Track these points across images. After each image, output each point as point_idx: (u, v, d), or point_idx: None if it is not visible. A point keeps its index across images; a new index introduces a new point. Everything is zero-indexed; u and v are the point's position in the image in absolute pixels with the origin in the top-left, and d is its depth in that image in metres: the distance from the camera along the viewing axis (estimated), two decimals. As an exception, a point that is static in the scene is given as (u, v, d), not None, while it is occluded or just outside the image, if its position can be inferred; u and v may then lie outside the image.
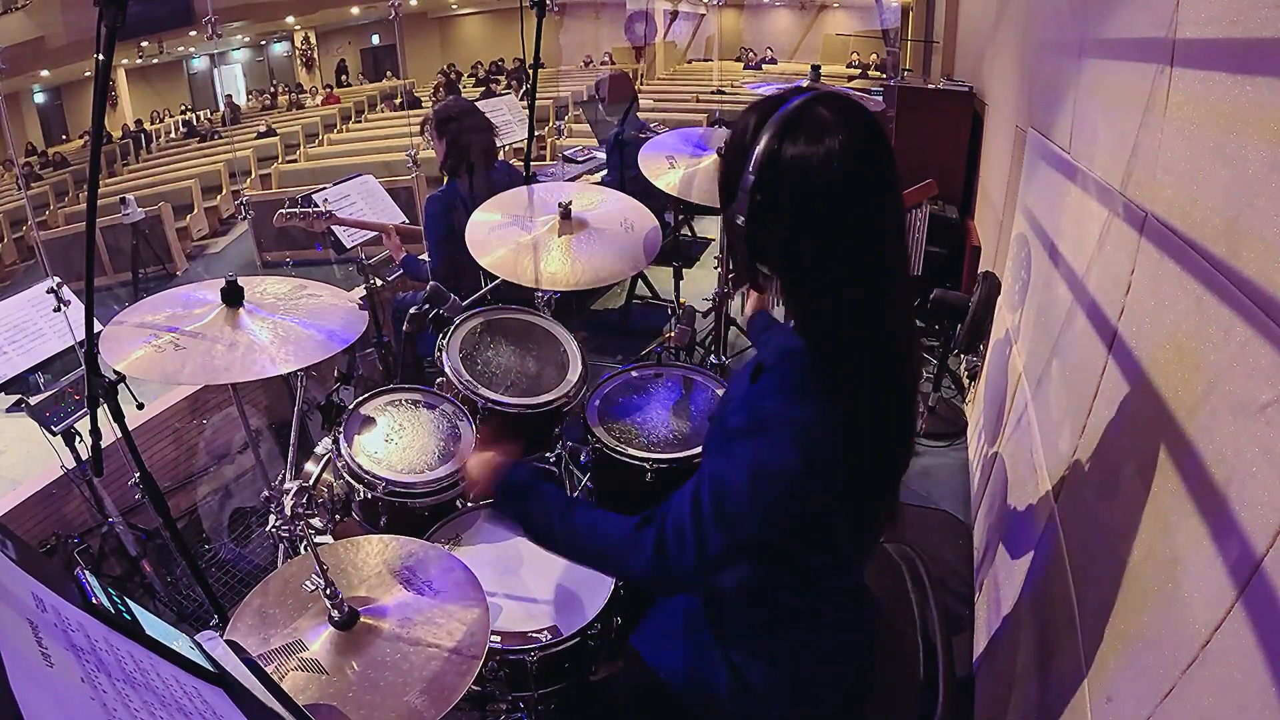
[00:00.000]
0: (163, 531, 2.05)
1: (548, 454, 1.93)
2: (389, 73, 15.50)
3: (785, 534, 0.97)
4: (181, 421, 2.72)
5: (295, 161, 11.15)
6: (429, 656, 1.07)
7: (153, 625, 0.65)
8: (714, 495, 0.93)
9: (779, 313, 1.06)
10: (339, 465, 1.67)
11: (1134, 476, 1.09)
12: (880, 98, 3.95)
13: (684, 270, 3.58)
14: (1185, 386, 0.98)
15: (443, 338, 1.89)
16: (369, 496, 1.62)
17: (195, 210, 9.15)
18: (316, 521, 1.76)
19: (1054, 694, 1.25)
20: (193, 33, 12.03)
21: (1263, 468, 0.77)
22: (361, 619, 1.12)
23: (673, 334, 2.61)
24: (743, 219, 0.89)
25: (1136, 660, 0.98)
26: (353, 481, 1.63)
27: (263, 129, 12.39)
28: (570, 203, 2.01)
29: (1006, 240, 2.60)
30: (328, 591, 1.09)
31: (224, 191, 9.95)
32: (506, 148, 3.73)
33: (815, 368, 0.92)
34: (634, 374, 1.99)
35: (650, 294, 4.11)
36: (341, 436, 1.67)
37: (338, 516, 1.81)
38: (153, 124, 13.46)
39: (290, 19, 14.69)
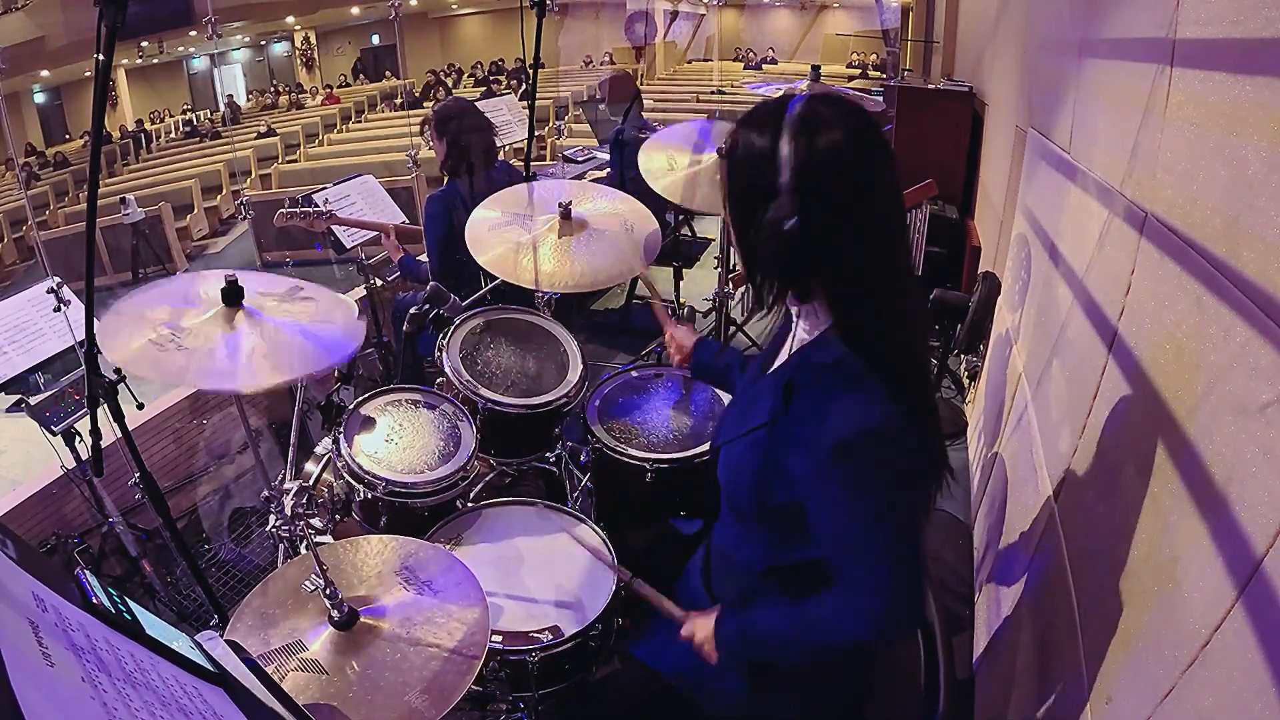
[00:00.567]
0: (163, 531, 2.05)
1: (548, 454, 1.93)
2: (389, 73, 15.50)
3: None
4: (181, 421, 2.72)
5: (295, 161, 11.16)
6: (429, 656, 1.07)
7: (153, 625, 0.65)
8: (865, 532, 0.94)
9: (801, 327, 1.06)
10: (339, 465, 1.67)
11: (1134, 476, 1.09)
12: (880, 98, 3.95)
13: (684, 270, 3.58)
14: (1185, 386, 0.98)
15: (443, 338, 1.89)
16: (369, 496, 1.62)
17: (195, 210, 9.15)
18: (316, 521, 1.76)
19: (1054, 694, 1.25)
20: (193, 33, 12.03)
21: (1263, 468, 0.77)
22: (361, 619, 1.12)
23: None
24: (794, 221, 0.88)
25: (1136, 660, 0.98)
26: (353, 481, 1.63)
27: (263, 129, 12.39)
28: (570, 203, 2.01)
29: (1006, 240, 2.60)
30: (327, 591, 1.09)
31: (224, 191, 9.95)
32: (506, 148, 3.73)
33: (866, 369, 0.93)
34: (634, 374, 1.99)
35: (650, 294, 4.11)
36: (341, 436, 1.67)
37: (338, 516, 1.81)
38: (153, 124, 13.46)
39: (290, 19, 14.69)
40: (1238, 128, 0.93)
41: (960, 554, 2.23)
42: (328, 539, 1.71)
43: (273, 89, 14.99)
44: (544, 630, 1.35)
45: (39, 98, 12.23)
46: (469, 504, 1.69)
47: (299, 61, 15.48)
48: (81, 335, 1.41)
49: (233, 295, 1.53)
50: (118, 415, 1.45)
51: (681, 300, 3.54)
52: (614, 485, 1.82)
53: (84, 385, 1.42)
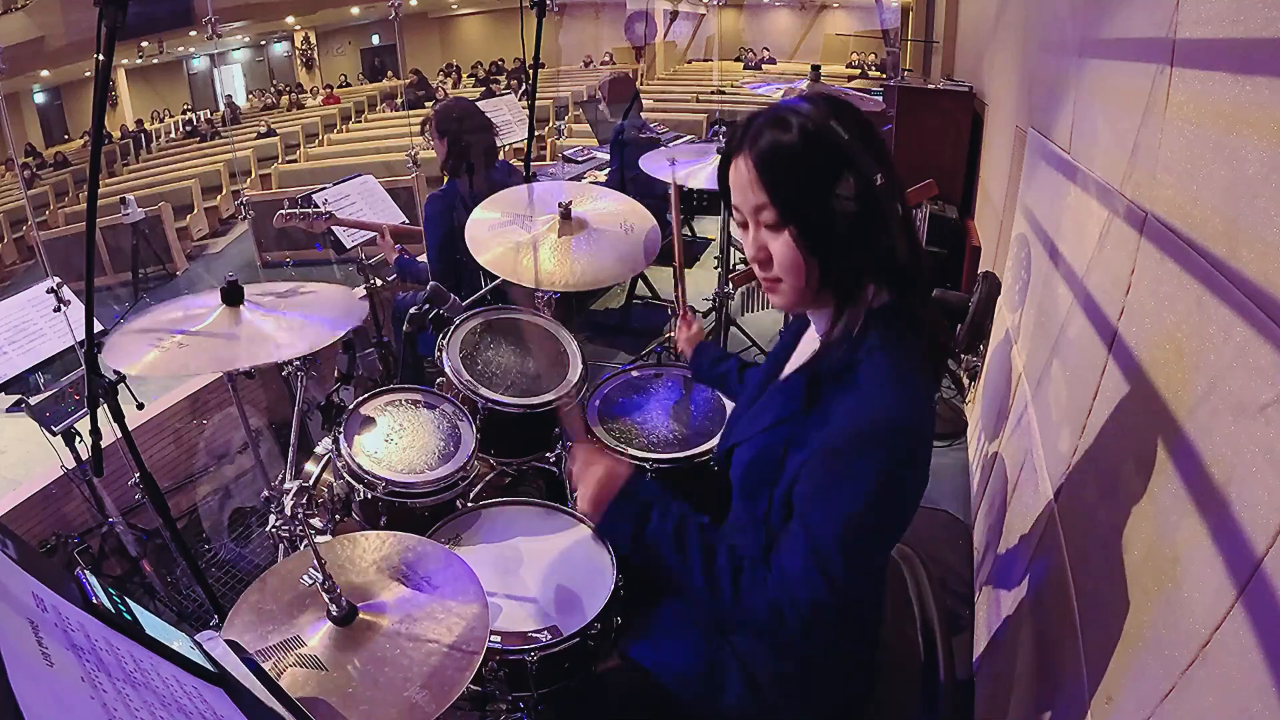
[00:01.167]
0: (163, 531, 2.05)
1: (548, 454, 1.93)
2: (389, 73, 15.51)
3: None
4: (181, 421, 2.72)
5: (295, 161, 11.15)
6: (429, 652, 1.07)
7: (153, 625, 0.65)
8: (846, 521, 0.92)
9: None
10: (339, 465, 1.67)
11: (1134, 476, 1.09)
12: (880, 98, 3.95)
13: (684, 270, 3.57)
14: (1185, 386, 0.98)
15: (443, 338, 1.89)
16: (369, 496, 1.62)
17: (195, 210, 9.15)
18: (316, 521, 1.77)
19: (1054, 694, 1.25)
20: (193, 33, 12.03)
21: (1263, 468, 0.77)
22: (360, 615, 1.12)
23: (673, 334, 2.60)
24: (880, 176, 0.91)
25: (1136, 660, 0.98)
26: (353, 481, 1.63)
27: (263, 129, 12.39)
28: (570, 203, 2.01)
29: (1006, 240, 2.60)
30: (326, 586, 1.09)
31: (224, 191, 9.95)
32: (506, 148, 3.73)
33: (899, 360, 0.94)
34: (634, 374, 1.99)
35: (650, 294, 4.11)
36: (341, 436, 1.67)
37: (338, 516, 1.81)
38: (153, 124, 13.45)
39: (290, 19, 14.69)
40: (1238, 128, 0.93)
41: (960, 554, 2.23)
42: (327, 539, 1.71)
43: (273, 89, 14.99)
44: (543, 630, 1.35)
45: (39, 98, 12.23)
46: (469, 504, 1.69)
47: (299, 61, 15.48)
48: (81, 335, 1.41)
49: (233, 295, 1.54)
50: (118, 415, 1.45)
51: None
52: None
53: (84, 385, 1.42)
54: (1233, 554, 0.80)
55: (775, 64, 14.60)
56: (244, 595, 1.17)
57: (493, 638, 1.26)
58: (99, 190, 1.25)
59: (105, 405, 1.43)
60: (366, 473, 1.61)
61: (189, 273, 7.87)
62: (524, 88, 11.08)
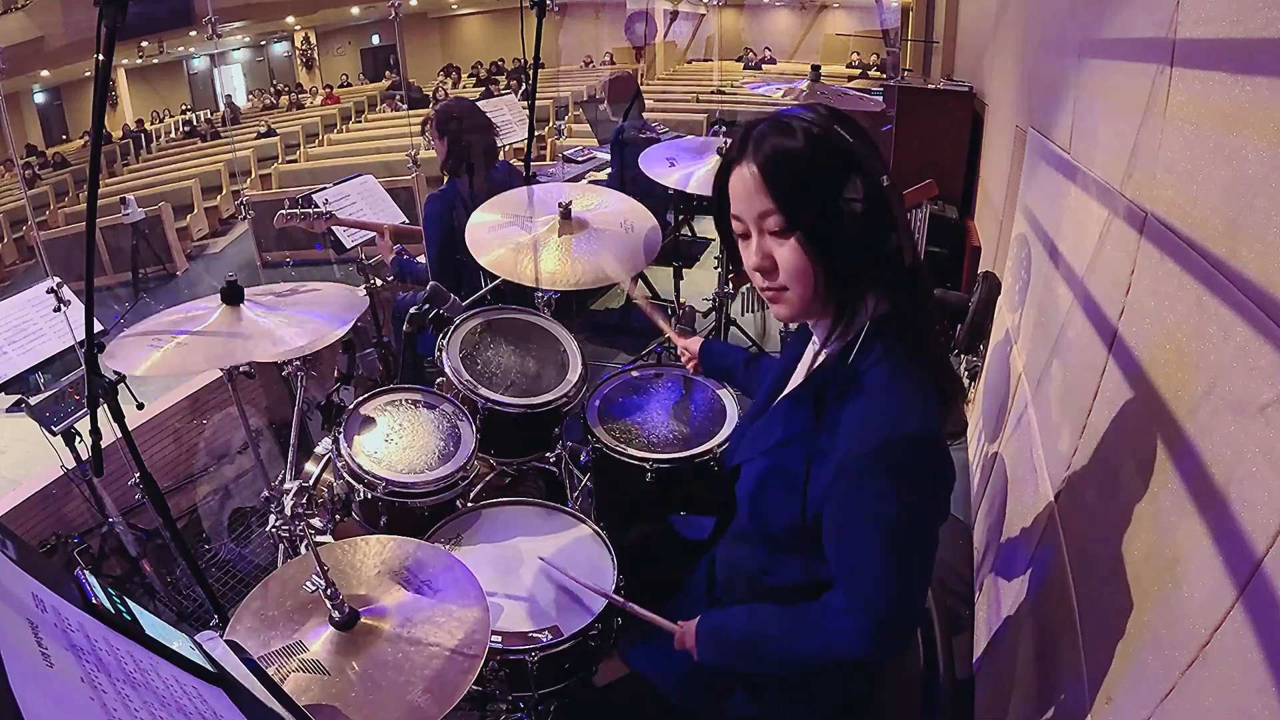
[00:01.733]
0: (163, 531, 2.05)
1: (548, 454, 1.93)
2: (389, 73, 15.51)
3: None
4: (181, 421, 2.72)
5: (295, 161, 11.15)
6: (430, 655, 1.07)
7: (153, 625, 0.65)
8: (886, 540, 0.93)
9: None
10: (339, 465, 1.67)
11: (1134, 476, 1.09)
12: (880, 98, 3.95)
13: (684, 270, 3.58)
14: (1185, 386, 0.98)
15: (443, 338, 1.89)
16: (369, 496, 1.62)
17: (195, 210, 9.15)
18: (316, 521, 1.76)
19: (1054, 694, 1.25)
20: (193, 33, 12.03)
21: (1263, 468, 0.77)
22: (362, 619, 1.12)
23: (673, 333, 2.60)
24: (885, 176, 0.92)
25: (1136, 660, 0.98)
26: (353, 481, 1.63)
27: (263, 129, 12.39)
28: (570, 203, 2.01)
29: (1006, 240, 2.60)
30: (328, 592, 1.09)
31: (224, 191, 9.95)
32: (506, 148, 3.73)
33: (905, 368, 0.94)
34: (634, 374, 1.99)
35: (650, 294, 4.11)
36: (341, 436, 1.67)
37: (338, 516, 1.81)
38: (153, 124, 13.45)
39: (290, 19, 14.69)
40: (1238, 128, 0.93)
41: (960, 554, 2.23)
42: (328, 539, 1.71)
43: (273, 89, 14.99)
44: (543, 630, 1.35)
45: (39, 98, 12.23)
46: (469, 504, 1.69)
47: (299, 61, 15.47)
48: (81, 335, 1.41)
49: (233, 295, 1.54)
50: (118, 415, 1.45)
51: (681, 300, 3.54)
52: (614, 485, 1.82)
53: (84, 385, 1.42)
54: (1233, 554, 0.80)
55: (776, 64, 14.59)
56: (245, 601, 1.17)
57: (493, 638, 1.26)
58: (99, 190, 1.25)
59: (105, 405, 1.42)
60: (366, 473, 1.61)
61: (189, 273, 7.87)
62: (524, 88, 11.09)
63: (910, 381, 0.94)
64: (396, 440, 1.72)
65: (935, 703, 1.17)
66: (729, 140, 1.05)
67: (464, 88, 14.64)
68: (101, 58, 1.09)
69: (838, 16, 15.09)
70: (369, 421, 1.74)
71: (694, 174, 2.36)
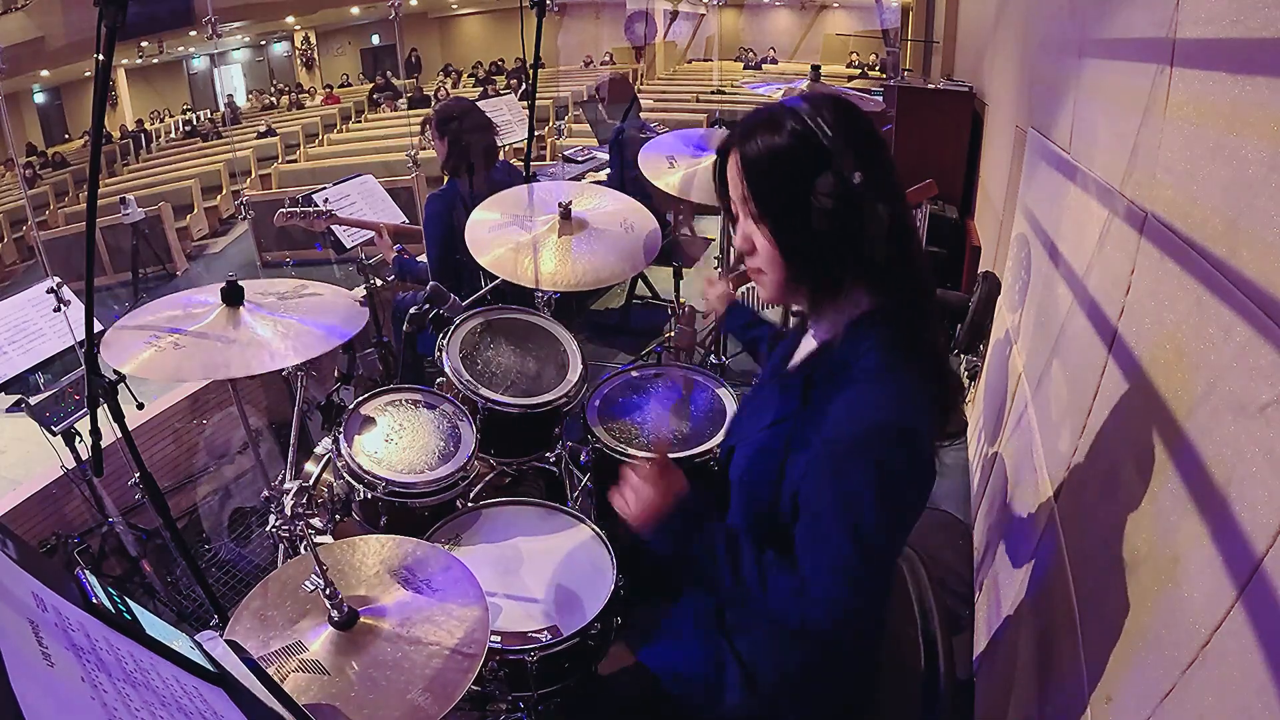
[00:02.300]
0: (163, 531, 2.05)
1: (548, 454, 1.93)
2: (389, 73, 15.49)
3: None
4: (181, 421, 2.72)
5: (295, 161, 11.15)
6: (430, 655, 1.07)
7: (153, 625, 0.65)
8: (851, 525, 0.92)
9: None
10: (339, 465, 1.67)
11: (1134, 476, 1.09)
12: (880, 98, 3.95)
13: (684, 270, 3.57)
14: (1185, 386, 0.98)
15: (443, 338, 1.89)
16: (369, 496, 1.62)
17: (195, 210, 9.14)
18: (316, 521, 1.77)
19: (1054, 694, 1.25)
20: (193, 33, 12.02)
21: (1263, 468, 0.77)
22: (361, 619, 1.12)
23: (673, 334, 2.61)
24: (858, 176, 0.91)
25: (1136, 660, 0.98)
26: (353, 481, 1.63)
27: (263, 129, 12.38)
28: (570, 203, 2.01)
29: (1006, 240, 2.60)
30: (327, 591, 1.09)
31: (224, 191, 9.94)
32: (506, 148, 3.73)
33: (889, 365, 0.94)
34: (634, 374, 1.99)
35: (650, 294, 4.11)
36: (341, 436, 1.67)
37: (338, 516, 1.81)
38: (153, 124, 13.45)
39: (290, 19, 14.68)
40: (1238, 128, 0.93)
41: (960, 554, 2.23)
42: (328, 539, 1.71)
43: (273, 89, 14.98)
44: (543, 630, 1.35)
45: (39, 98, 12.22)
46: (469, 504, 1.69)
47: (299, 61, 15.46)
48: (81, 335, 1.41)
49: (233, 295, 1.54)
50: (118, 415, 1.45)
51: (681, 300, 3.54)
52: (614, 485, 1.82)
53: (84, 385, 1.42)
54: (1233, 554, 0.80)
55: (776, 64, 14.59)
56: (245, 601, 1.17)
57: (493, 638, 1.26)
58: (99, 190, 1.25)
59: (105, 405, 1.42)
60: (366, 473, 1.61)
61: (189, 273, 7.87)
62: (524, 88, 11.08)
63: (897, 375, 0.94)
64: (396, 440, 1.72)
65: (935, 703, 1.17)
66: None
67: (463, 87, 14.63)
68: (101, 58, 1.09)
69: (838, 16, 15.08)
70: (369, 421, 1.74)
71: (695, 177, 2.36)
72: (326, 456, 1.84)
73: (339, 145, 11.58)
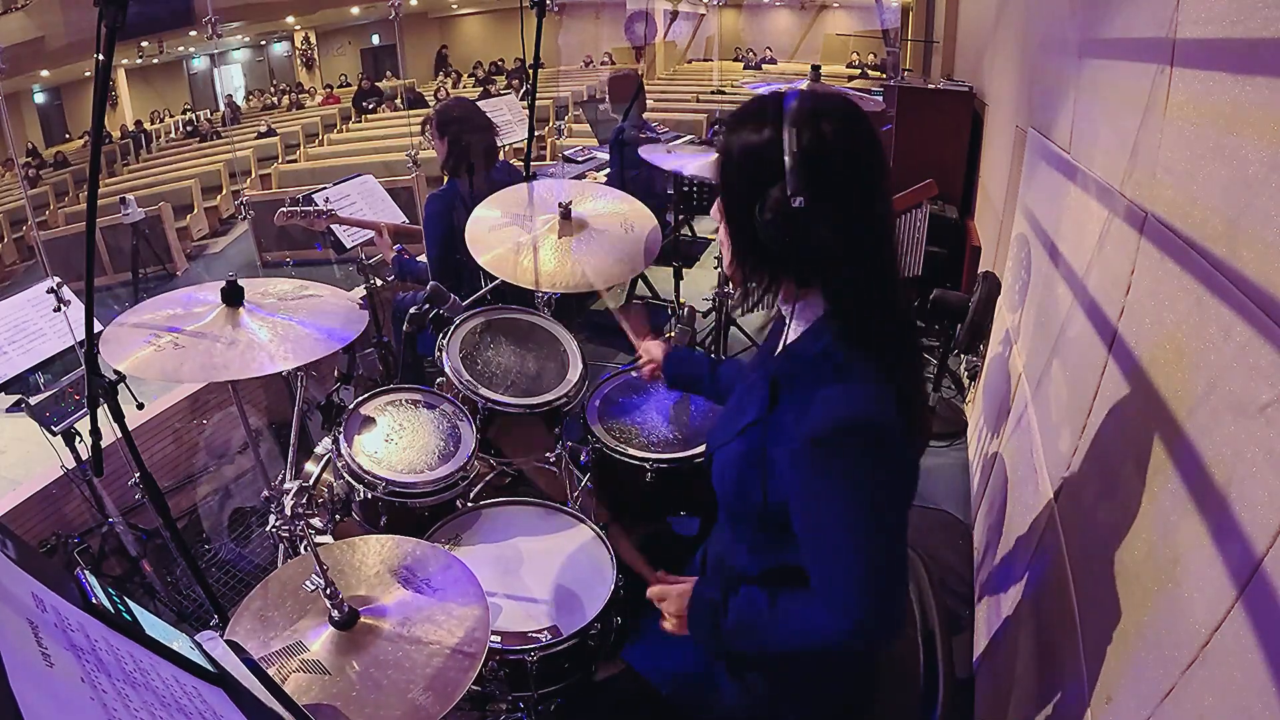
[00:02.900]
0: (163, 531, 2.05)
1: (548, 454, 1.93)
2: (389, 73, 15.49)
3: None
4: (181, 421, 2.72)
5: (295, 161, 11.14)
6: (431, 654, 1.08)
7: (153, 625, 0.65)
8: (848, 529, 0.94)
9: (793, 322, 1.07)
10: (339, 465, 1.67)
11: (1134, 476, 1.09)
12: (880, 98, 3.95)
13: (684, 270, 3.58)
14: (1185, 386, 0.98)
15: (443, 338, 1.89)
16: (369, 496, 1.62)
17: (195, 210, 9.14)
18: (316, 521, 1.76)
19: (1054, 694, 1.25)
20: (193, 33, 12.02)
21: (1263, 468, 0.77)
22: (361, 619, 1.12)
23: (673, 334, 2.60)
24: (801, 199, 0.90)
25: (1136, 660, 0.98)
26: (353, 481, 1.63)
27: (263, 129, 12.38)
28: (570, 203, 2.01)
29: (1006, 240, 2.60)
30: (328, 591, 1.09)
31: (224, 191, 9.94)
32: (506, 148, 3.73)
33: (852, 359, 0.95)
34: (634, 374, 1.98)
35: (650, 294, 4.11)
36: (341, 436, 1.67)
37: (338, 516, 1.81)
38: (153, 124, 13.44)
39: (290, 19, 14.68)
40: (1238, 128, 0.93)
41: (960, 554, 2.23)
42: (328, 539, 1.71)
43: (274, 89, 14.97)
44: (543, 630, 1.36)
45: (39, 98, 12.21)
46: (469, 504, 1.69)
47: (299, 61, 15.46)
48: (81, 335, 1.41)
49: (233, 295, 1.53)
50: (118, 415, 1.45)
51: (681, 300, 3.54)
52: (614, 485, 1.82)
53: (84, 385, 1.42)
54: (1233, 554, 0.80)
55: (776, 64, 14.58)
56: (245, 601, 1.17)
57: (493, 638, 1.26)
58: (99, 190, 1.25)
59: (105, 405, 1.42)
60: (366, 473, 1.61)
61: (189, 273, 7.86)
62: (524, 88, 11.08)
63: (859, 374, 0.95)
64: (396, 440, 1.72)
65: (935, 703, 1.17)
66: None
67: (463, 88, 14.63)
68: (101, 58, 1.09)
69: (838, 16, 15.07)
70: (369, 421, 1.74)
71: (690, 162, 2.37)
72: (326, 456, 1.84)
73: (339, 145, 11.58)
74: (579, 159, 4.98)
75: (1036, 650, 1.39)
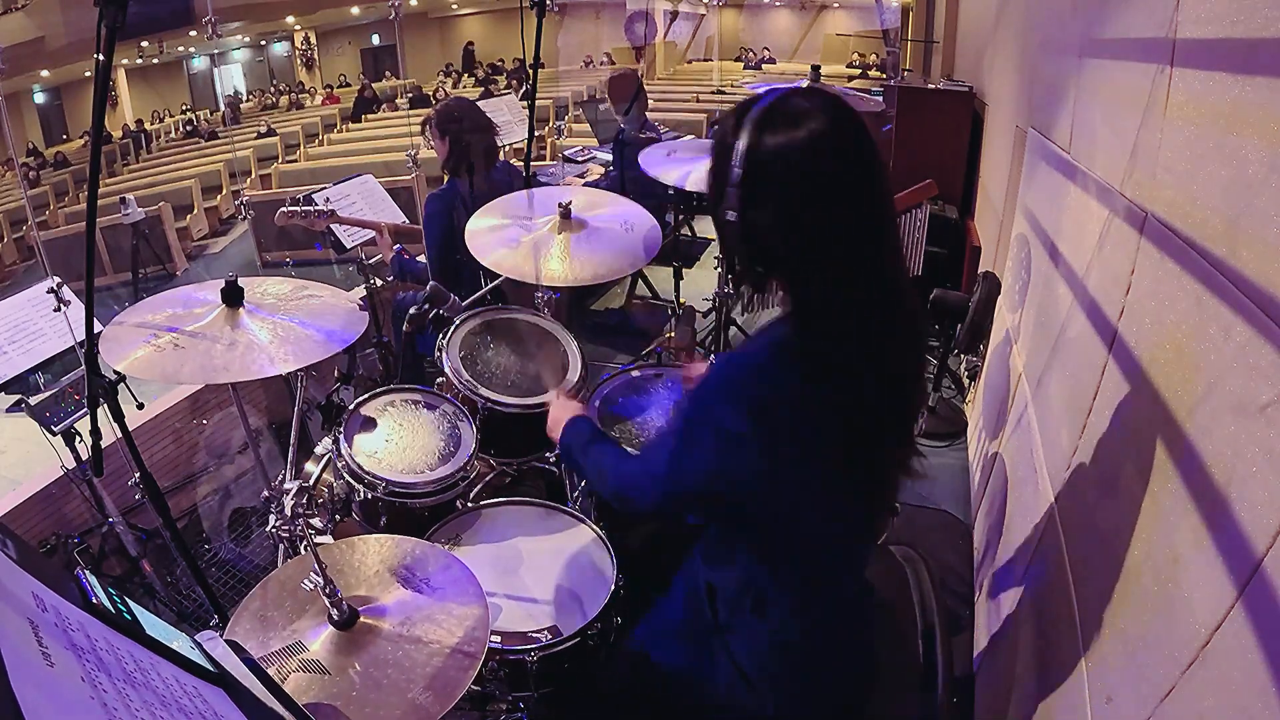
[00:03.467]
0: (163, 531, 2.05)
1: (548, 454, 1.93)
2: (389, 73, 15.49)
3: (729, 497, 1.03)
4: (181, 421, 2.72)
5: (295, 161, 11.14)
6: (430, 654, 1.08)
7: (153, 625, 0.65)
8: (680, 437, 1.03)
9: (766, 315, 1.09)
10: (339, 465, 1.67)
11: (1134, 476, 1.09)
12: (880, 98, 3.95)
13: (684, 270, 3.58)
14: (1185, 386, 0.98)
15: (443, 338, 1.89)
16: (369, 496, 1.62)
17: (195, 210, 9.14)
18: (316, 521, 1.76)
19: (1054, 694, 1.25)
20: (193, 33, 12.02)
21: (1263, 468, 0.77)
22: (361, 618, 1.12)
23: (673, 334, 2.61)
24: (734, 214, 0.93)
25: (1136, 660, 0.98)
26: (353, 481, 1.63)
27: (263, 129, 12.38)
28: (570, 203, 2.01)
29: (1006, 240, 2.60)
30: (327, 591, 1.09)
31: (224, 191, 9.94)
32: (507, 148, 3.73)
33: (799, 355, 0.96)
34: (634, 374, 1.99)
35: (650, 294, 4.11)
36: (341, 436, 1.67)
37: (338, 516, 1.81)
38: (153, 124, 13.44)
39: (290, 19, 14.68)
40: (1238, 128, 0.93)
41: (960, 554, 2.23)
42: (328, 539, 1.71)
43: (273, 89, 14.98)
44: (543, 630, 1.36)
45: (39, 98, 12.21)
46: (469, 504, 1.69)
47: (299, 61, 15.46)
48: (81, 335, 1.41)
49: (233, 296, 1.53)
50: (118, 415, 1.45)
51: (681, 300, 3.54)
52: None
53: (84, 385, 1.42)
54: (1233, 554, 0.80)
55: (775, 64, 14.58)
56: (245, 601, 1.17)
57: (493, 638, 1.26)
58: (99, 190, 1.25)
59: (105, 405, 1.42)
60: (366, 473, 1.61)
61: (189, 273, 7.86)
62: (524, 88, 11.07)
63: (770, 354, 0.97)
64: (396, 440, 1.72)
65: (935, 702, 1.17)
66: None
67: (463, 88, 14.63)
68: (101, 58, 1.09)
69: (838, 16, 15.07)
70: (369, 421, 1.74)
71: (692, 171, 2.37)
72: (326, 456, 1.84)
73: (339, 145, 11.58)
74: (579, 159, 4.98)
75: (1036, 650, 1.39)
